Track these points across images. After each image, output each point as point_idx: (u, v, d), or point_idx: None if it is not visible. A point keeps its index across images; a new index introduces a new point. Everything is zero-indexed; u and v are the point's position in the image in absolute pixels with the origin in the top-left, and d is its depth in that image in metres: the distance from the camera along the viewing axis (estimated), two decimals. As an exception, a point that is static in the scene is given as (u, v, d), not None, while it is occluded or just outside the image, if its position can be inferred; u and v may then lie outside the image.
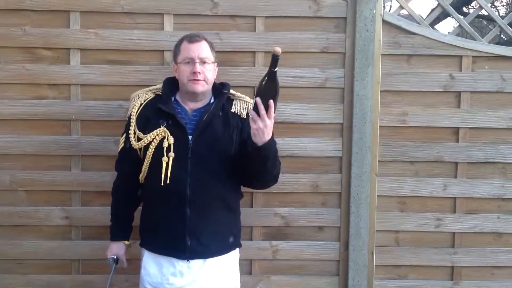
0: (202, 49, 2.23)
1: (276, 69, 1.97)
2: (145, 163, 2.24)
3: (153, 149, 2.20)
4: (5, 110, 2.66)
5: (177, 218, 2.18)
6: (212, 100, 2.32)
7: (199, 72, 2.20)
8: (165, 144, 2.18)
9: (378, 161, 2.77)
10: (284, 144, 2.71)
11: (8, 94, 2.66)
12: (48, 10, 2.63)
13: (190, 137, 2.20)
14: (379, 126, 2.76)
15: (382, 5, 2.72)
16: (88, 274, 2.77)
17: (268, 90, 1.99)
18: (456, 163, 2.82)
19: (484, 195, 2.84)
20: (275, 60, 1.96)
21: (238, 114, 2.31)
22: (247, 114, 2.21)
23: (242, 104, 2.34)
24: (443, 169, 2.82)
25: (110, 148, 2.66)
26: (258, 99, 1.99)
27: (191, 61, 2.21)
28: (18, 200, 2.72)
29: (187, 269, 2.20)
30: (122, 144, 2.34)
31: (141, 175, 2.29)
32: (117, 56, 2.67)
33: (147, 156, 2.21)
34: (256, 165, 2.15)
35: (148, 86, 2.43)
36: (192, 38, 2.25)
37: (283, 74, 2.68)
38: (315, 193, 2.79)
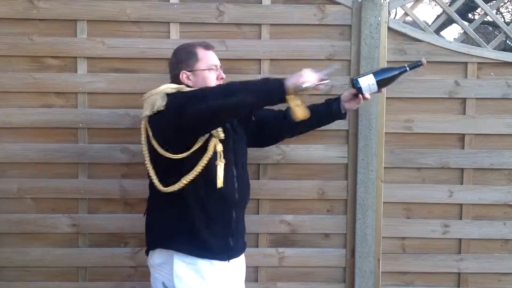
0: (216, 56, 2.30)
1: (408, 71, 2.26)
2: (199, 166, 2.08)
3: (211, 154, 2.10)
4: (13, 118, 2.68)
5: (224, 221, 2.20)
6: None
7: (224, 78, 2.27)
8: (219, 149, 2.13)
9: (384, 167, 2.78)
10: (290, 151, 2.72)
11: (16, 102, 2.68)
12: (55, 19, 2.65)
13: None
14: (385, 132, 2.76)
15: (387, 12, 2.73)
16: (95, 282, 2.78)
17: (390, 80, 2.26)
18: (462, 169, 2.81)
19: (490, 201, 2.83)
20: (416, 66, 2.26)
21: None
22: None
23: None
24: (449, 176, 2.82)
25: (117, 155, 2.68)
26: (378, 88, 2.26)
27: (215, 68, 2.25)
28: (25, 208, 2.73)
29: (228, 269, 2.21)
30: None
31: (186, 179, 2.09)
32: (124, 64, 2.69)
33: (205, 158, 2.09)
34: (324, 123, 2.49)
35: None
36: (208, 45, 2.27)
37: (289, 82, 2.71)
38: (321, 200, 2.80)
